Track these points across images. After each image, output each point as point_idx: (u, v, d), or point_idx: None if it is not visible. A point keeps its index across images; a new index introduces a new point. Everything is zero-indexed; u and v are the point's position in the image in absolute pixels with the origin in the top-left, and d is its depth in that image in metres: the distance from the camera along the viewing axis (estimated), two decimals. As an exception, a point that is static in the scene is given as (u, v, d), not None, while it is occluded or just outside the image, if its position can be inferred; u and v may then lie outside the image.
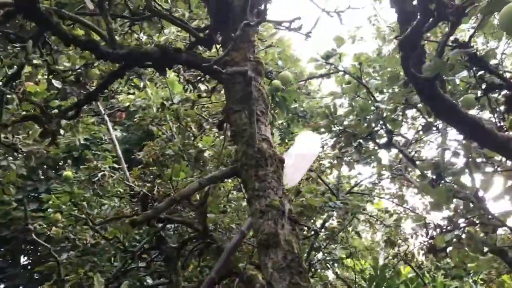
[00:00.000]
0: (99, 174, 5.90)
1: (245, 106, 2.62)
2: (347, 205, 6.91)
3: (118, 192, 6.00)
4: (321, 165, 8.71)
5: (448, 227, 3.00)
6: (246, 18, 2.73)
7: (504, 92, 3.47)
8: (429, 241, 3.12)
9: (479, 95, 3.52)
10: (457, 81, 3.72)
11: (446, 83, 3.81)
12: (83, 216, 5.64)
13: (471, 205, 3.10)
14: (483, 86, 3.37)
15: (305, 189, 5.58)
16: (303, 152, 2.97)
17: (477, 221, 3.00)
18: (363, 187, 9.10)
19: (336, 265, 9.08)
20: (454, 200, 3.15)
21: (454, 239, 3.04)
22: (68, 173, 5.73)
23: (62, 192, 5.78)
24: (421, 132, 6.10)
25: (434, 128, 5.46)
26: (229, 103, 2.71)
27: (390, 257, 9.19)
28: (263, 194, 2.41)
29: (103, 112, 6.57)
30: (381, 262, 8.89)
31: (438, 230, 3.06)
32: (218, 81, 2.77)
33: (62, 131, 6.86)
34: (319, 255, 8.40)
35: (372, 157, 5.71)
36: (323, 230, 8.11)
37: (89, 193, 5.90)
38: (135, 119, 6.87)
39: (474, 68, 3.29)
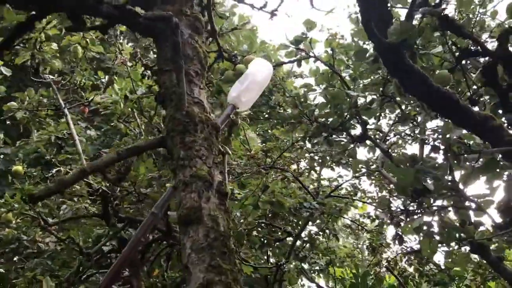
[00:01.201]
0: (54, 170, 5.47)
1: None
2: (324, 206, 6.51)
3: (75, 190, 5.53)
4: (299, 168, 8.34)
5: (417, 212, 2.61)
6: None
7: (480, 62, 3.13)
8: (401, 234, 2.72)
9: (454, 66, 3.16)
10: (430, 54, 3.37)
11: (419, 58, 3.45)
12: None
13: (444, 189, 2.72)
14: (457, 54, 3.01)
15: (273, 184, 5.17)
16: (256, 77, 2.63)
17: (451, 206, 2.61)
18: (344, 190, 8.71)
19: (316, 274, 8.65)
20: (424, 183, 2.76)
21: (424, 227, 2.65)
22: (18, 167, 5.28)
23: (13, 189, 5.33)
24: (399, 127, 5.75)
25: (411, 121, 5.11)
26: (159, 63, 2.32)
27: (372, 265, 8.77)
28: (189, 163, 2.01)
29: (63, 105, 6.15)
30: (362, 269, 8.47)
31: (405, 216, 2.66)
32: (153, 39, 2.38)
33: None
34: (305, 265, 7.99)
35: (347, 153, 5.34)
36: (302, 235, 7.70)
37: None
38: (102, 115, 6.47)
39: (448, 34, 2.95)
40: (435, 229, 2.67)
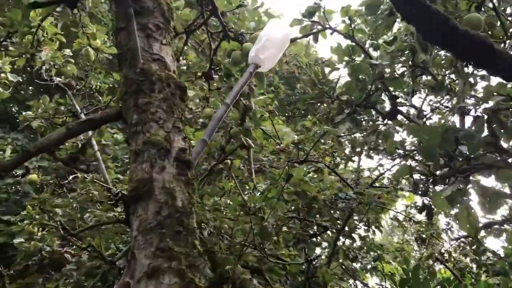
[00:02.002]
0: (70, 177, 5.26)
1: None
2: (362, 196, 5.96)
3: (92, 195, 5.30)
4: (334, 159, 7.80)
5: (448, 178, 2.10)
6: None
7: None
8: (430, 206, 2.21)
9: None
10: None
11: (446, 3, 2.92)
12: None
13: (481, 148, 2.19)
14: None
15: (298, 172, 4.70)
16: (271, 35, 2.38)
17: (490, 166, 2.09)
18: (386, 180, 8.09)
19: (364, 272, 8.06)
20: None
21: (459, 196, 2.13)
22: (33, 176, 5.11)
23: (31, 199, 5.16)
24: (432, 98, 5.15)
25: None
26: (117, 22, 1.96)
27: (424, 258, 8.09)
28: (142, 129, 1.62)
29: (79, 111, 5.97)
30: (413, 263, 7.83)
31: (432, 183, 2.15)
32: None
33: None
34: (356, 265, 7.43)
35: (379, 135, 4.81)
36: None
37: (61, 198, 5.24)
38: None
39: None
40: (474, 198, 2.15)
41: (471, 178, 2.06)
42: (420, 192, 2.08)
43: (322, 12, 4.29)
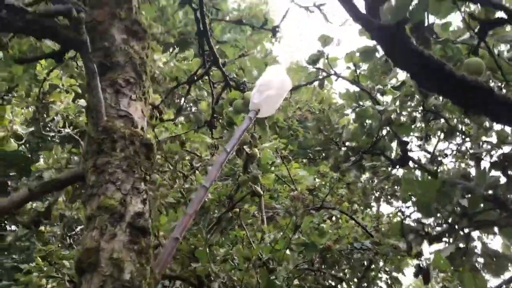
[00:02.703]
0: (78, 228, 5.20)
1: (101, 77, 1.80)
2: (379, 245, 5.67)
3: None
4: (352, 206, 7.53)
5: (446, 234, 1.90)
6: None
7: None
8: (425, 268, 2.00)
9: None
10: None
11: (445, 48, 2.80)
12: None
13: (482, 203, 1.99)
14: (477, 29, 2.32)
15: (306, 221, 4.50)
16: (270, 81, 2.35)
17: (494, 224, 1.88)
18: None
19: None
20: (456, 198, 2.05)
21: (464, 257, 1.92)
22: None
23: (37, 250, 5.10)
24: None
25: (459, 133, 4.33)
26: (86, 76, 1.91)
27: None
28: (97, 191, 1.52)
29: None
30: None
31: (428, 241, 1.95)
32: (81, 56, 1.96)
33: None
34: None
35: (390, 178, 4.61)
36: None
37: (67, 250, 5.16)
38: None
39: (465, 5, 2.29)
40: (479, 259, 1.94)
41: (472, 235, 1.86)
42: (414, 254, 1.89)
43: (326, 59, 4.21)
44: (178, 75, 4.09)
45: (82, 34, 1.65)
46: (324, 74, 4.49)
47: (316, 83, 4.49)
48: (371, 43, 3.47)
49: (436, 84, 2.29)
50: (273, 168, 6.24)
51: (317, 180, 8.01)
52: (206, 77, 4.01)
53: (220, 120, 4.15)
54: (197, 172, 5.79)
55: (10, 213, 1.87)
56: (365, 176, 4.75)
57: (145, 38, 2.05)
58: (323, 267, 6.13)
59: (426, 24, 2.36)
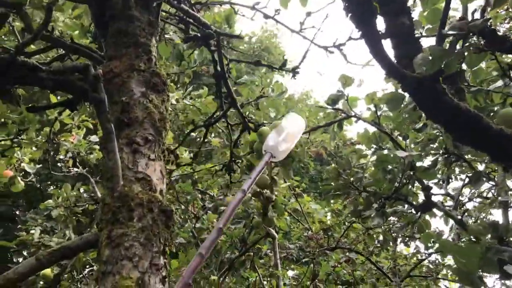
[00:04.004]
0: (86, 271, 5.00)
1: (118, 133, 1.67)
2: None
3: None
4: (367, 246, 7.28)
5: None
6: (129, 14, 1.88)
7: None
8: None
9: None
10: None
11: (473, 97, 2.65)
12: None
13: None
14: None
15: (323, 268, 4.28)
16: (291, 129, 2.30)
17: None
18: (425, 268, 7.48)
19: None
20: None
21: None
22: (47, 271, 4.87)
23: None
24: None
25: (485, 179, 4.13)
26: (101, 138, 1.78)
27: None
28: (113, 268, 1.36)
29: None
30: None
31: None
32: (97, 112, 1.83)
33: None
34: None
35: (413, 225, 4.39)
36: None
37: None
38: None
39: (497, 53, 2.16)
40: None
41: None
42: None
43: (346, 99, 4.08)
44: (194, 118, 3.98)
45: (100, 92, 1.53)
46: (343, 115, 4.35)
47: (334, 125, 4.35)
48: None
49: (471, 140, 2.14)
50: (286, 207, 6.06)
51: (329, 217, 7.79)
52: (223, 120, 3.89)
53: (239, 164, 4.01)
54: (209, 212, 5.63)
55: (16, 286, 1.73)
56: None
57: (165, 91, 1.93)
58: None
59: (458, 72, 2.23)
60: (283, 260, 6.79)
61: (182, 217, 5.46)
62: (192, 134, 4.81)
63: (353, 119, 4.39)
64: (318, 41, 3.73)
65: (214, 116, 3.65)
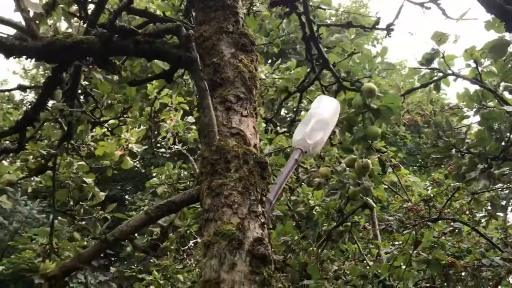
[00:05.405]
0: (191, 242, 5.28)
1: (212, 93, 1.74)
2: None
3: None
4: (473, 216, 6.86)
5: None
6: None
7: None
8: None
9: None
10: None
11: None
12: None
13: None
14: None
15: (426, 235, 4.10)
16: (321, 116, 1.99)
17: None
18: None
19: None
20: None
21: None
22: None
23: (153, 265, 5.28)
24: None
25: None
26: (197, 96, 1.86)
27: None
28: (214, 215, 1.42)
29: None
30: None
31: None
32: (192, 75, 1.92)
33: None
34: None
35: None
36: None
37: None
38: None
39: None
40: None
41: None
42: None
43: (442, 57, 3.84)
44: (287, 85, 3.97)
45: (192, 51, 1.59)
46: (440, 74, 4.10)
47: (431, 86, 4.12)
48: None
49: None
50: (384, 178, 5.89)
51: (430, 189, 7.45)
52: (317, 82, 3.84)
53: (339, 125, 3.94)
54: (303, 184, 5.64)
55: (130, 238, 1.90)
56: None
57: (253, 51, 1.95)
58: (445, 284, 5.63)
59: None
60: (382, 233, 6.63)
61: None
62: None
63: (451, 78, 4.13)
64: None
65: (306, 80, 3.61)
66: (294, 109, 4.32)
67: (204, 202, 1.49)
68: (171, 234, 4.00)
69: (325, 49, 3.46)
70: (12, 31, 1.90)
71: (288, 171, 1.72)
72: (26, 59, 1.85)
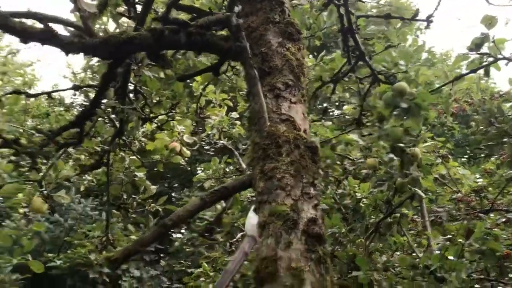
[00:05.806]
0: (239, 235, 5.36)
1: (261, 81, 1.78)
2: None
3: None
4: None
5: None
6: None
7: None
8: None
9: None
10: None
11: None
12: None
13: None
14: None
15: (479, 226, 3.98)
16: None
17: None
18: None
19: None
20: None
21: None
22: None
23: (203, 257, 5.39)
24: None
25: None
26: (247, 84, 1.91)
27: None
28: (268, 198, 1.47)
29: (245, 168, 6.19)
30: None
31: None
32: (242, 64, 1.98)
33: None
34: None
35: None
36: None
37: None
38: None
39: None
40: None
41: None
42: None
43: (492, 42, 3.73)
44: (322, 75, 3.96)
45: (242, 40, 1.64)
46: (490, 59, 3.98)
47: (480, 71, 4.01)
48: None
49: None
50: (432, 169, 5.75)
51: (480, 180, 7.21)
52: (351, 74, 3.82)
53: (369, 117, 3.92)
54: (349, 176, 5.61)
55: (186, 222, 1.97)
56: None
57: (300, 39, 1.99)
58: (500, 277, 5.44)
59: None
60: (432, 224, 6.48)
61: (323, 183, 5.53)
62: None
63: (502, 63, 4.00)
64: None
65: (342, 71, 3.61)
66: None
67: (258, 186, 1.54)
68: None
69: (362, 39, 3.44)
70: (64, 32, 2.01)
71: (237, 263, 1.48)
72: (85, 55, 1.96)
